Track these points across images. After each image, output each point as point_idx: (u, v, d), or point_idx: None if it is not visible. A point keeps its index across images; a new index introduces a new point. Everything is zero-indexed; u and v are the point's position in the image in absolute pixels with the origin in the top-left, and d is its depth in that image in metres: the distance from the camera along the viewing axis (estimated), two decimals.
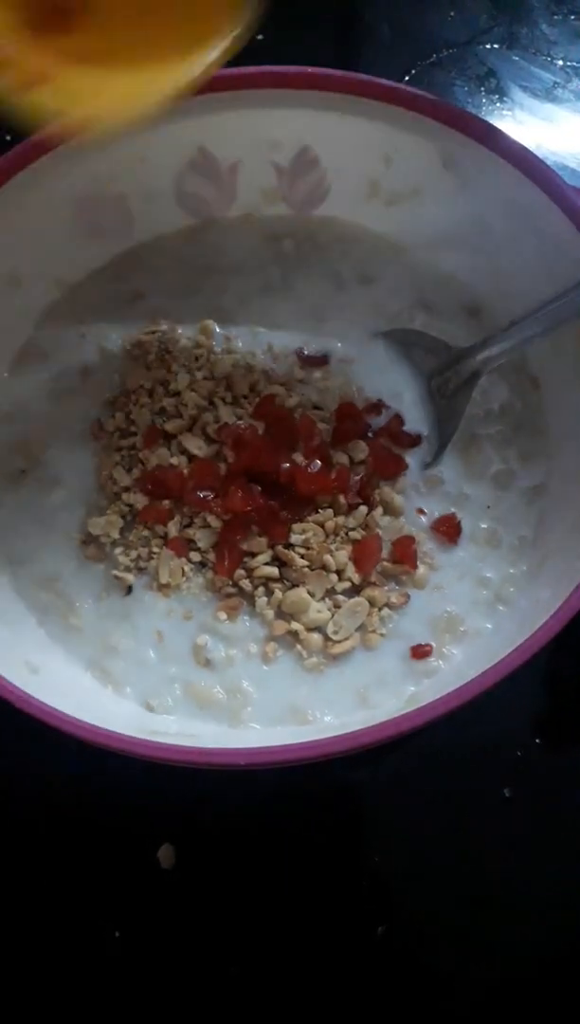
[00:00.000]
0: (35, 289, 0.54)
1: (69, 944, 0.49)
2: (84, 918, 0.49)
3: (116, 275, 0.56)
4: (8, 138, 0.65)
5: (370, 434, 0.52)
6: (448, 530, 0.50)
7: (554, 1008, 0.49)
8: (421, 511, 0.51)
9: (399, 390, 0.54)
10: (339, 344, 0.55)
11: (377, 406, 0.53)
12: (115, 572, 0.49)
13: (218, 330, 0.55)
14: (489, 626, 0.48)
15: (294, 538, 0.49)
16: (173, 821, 0.51)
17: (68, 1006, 0.48)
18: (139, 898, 0.50)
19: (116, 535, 0.50)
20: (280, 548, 0.49)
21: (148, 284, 0.56)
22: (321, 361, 0.54)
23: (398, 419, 0.53)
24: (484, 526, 0.50)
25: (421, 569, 0.49)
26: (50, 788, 0.51)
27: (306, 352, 0.54)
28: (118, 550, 0.50)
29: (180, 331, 0.55)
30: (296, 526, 0.49)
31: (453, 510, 0.51)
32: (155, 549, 0.50)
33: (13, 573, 0.50)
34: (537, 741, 0.53)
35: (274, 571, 0.48)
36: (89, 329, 0.55)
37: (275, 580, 0.49)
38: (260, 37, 0.71)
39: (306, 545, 0.49)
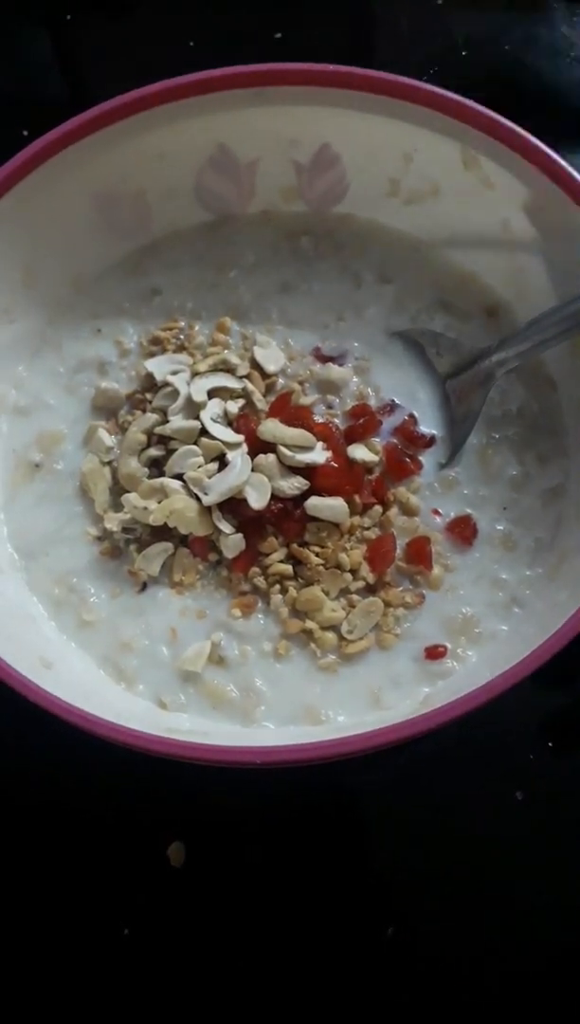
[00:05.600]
0: (52, 283, 0.54)
1: (78, 941, 0.49)
2: (93, 915, 0.49)
3: (133, 270, 0.56)
4: (25, 133, 0.65)
5: (384, 434, 0.52)
6: (464, 531, 0.50)
7: (567, 1008, 0.48)
8: (437, 512, 0.51)
9: (414, 390, 0.54)
10: (356, 343, 0.54)
11: (391, 406, 0.53)
12: (129, 568, 0.49)
13: (235, 327, 0.55)
14: (505, 628, 0.48)
15: (309, 536, 0.49)
16: (183, 819, 0.51)
17: (77, 1002, 0.48)
18: (148, 896, 0.50)
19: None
20: (295, 546, 0.49)
21: (165, 280, 0.56)
22: (338, 359, 0.54)
23: (412, 419, 0.53)
24: (500, 528, 0.50)
25: (436, 570, 0.49)
26: (61, 784, 0.51)
27: (323, 351, 0.54)
28: (133, 546, 0.50)
29: (197, 327, 0.55)
30: (311, 524, 0.49)
31: (469, 511, 0.51)
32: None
33: (27, 568, 0.50)
34: (549, 744, 0.52)
35: (289, 568, 0.48)
36: (105, 324, 0.55)
37: (290, 578, 0.49)
38: (278, 35, 0.71)
39: (321, 543, 0.49)
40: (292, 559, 0.49)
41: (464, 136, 0.49)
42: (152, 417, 0.51)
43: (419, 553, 0.49)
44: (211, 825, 0.51)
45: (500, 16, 0.72)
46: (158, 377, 0.52)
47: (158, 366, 0.53)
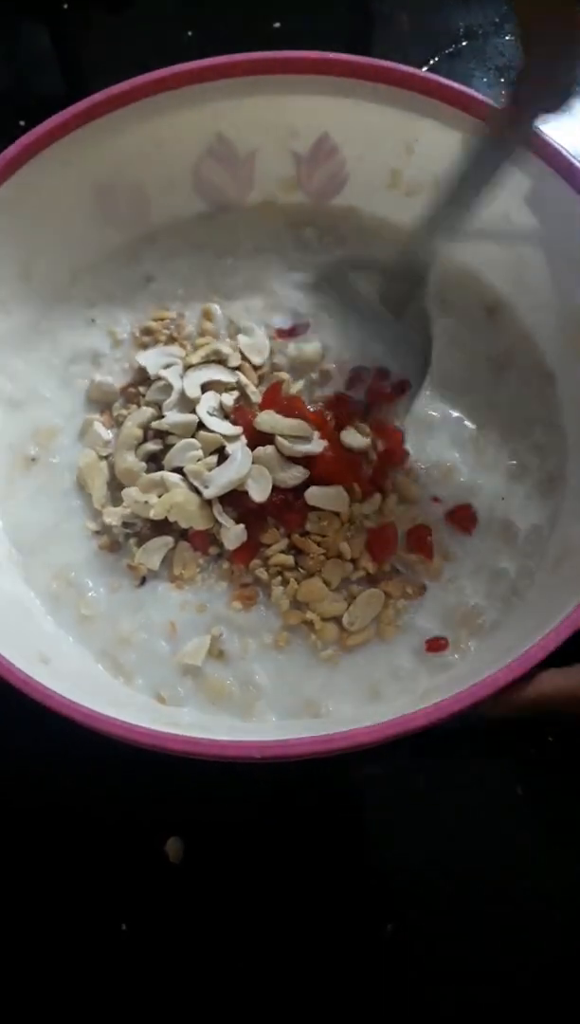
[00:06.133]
0: (49, 275, 0.54)
1: (75, 937, 0.49)
2: (90, 911, 0.49)
3: (129, 259, 0.56)
4: (22, 124, 0.64)
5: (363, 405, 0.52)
6: (463, 520, 0.50)
7: (567, 1008, 0.48)
8: (436, 499, 0.50)
9: (364, 335, 0.52)
10: (303, 310, 0.54)
11: (356, 373, 0.52)
12: (129, 563, 0.49)
13: (220, 314, 0.54)
14: (506, 619, 0.47)
15: (310, 526, 0.48)
16: (181, 814, 0.50)
17: (74, 999, 0.48)
18: (146, 892, 0.49)
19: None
20: (296, 536, 0.48)
21: (159, 268, 0.55)
22: (295, 331, 0.53)
23: (379, 373, 0.52)
24: (499, 517, 0.50)
25: (437, 559, 0.49)
26: (57, 780, 0.51)
27: (279, 326, 0.54)
28: (133, 540, 0.49)
29: (187, 315, 0.54)
30: (312, 514, 0.48)
31: (469, 500, 0.50)
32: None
33: (24, 562, 0.50)
34: (550, 739, 0.52)
35: (290, 559, 0.48)
36: (99, 314, 0.54)
37: (291, 569, 0.48)
38: (277, 25, 0.71)
39: (322, 532, 0.48)
40: (293, 549, 0.48)
41: (465, 125, 0.48)
42: (147, 411, 0.51)
43: (420, 542, 0.49)
44: (209, 820, 0.50)
45: (501, 5, 0.72)
46: (151, 371, 0.52)
47: (150, 360, 0.52)
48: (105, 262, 0.56)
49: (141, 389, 0.52)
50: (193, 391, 0.50)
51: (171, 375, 0.51)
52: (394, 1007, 0.48)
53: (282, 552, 0.48)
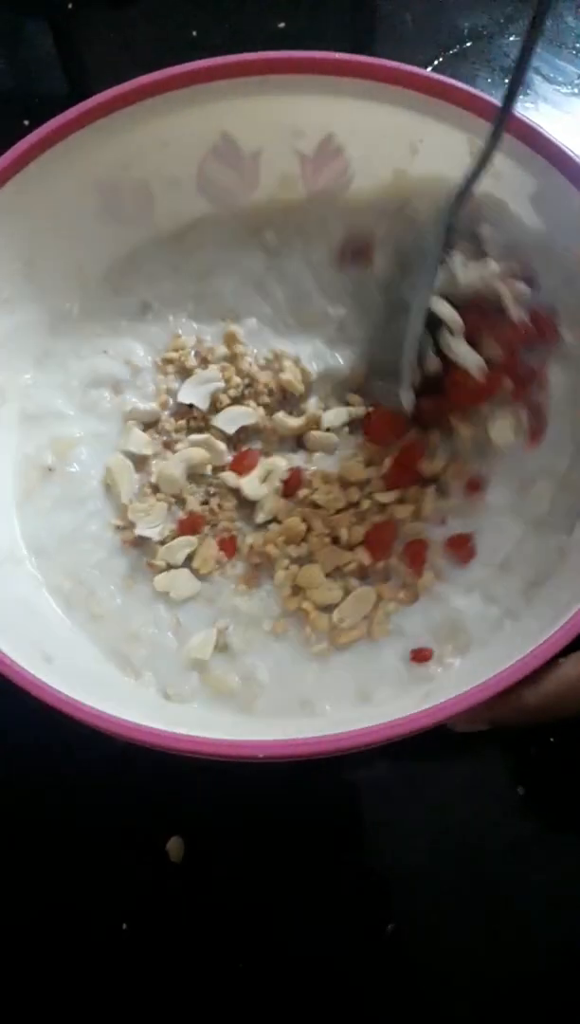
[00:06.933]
0: (55, 275, 0.53)
1: (76, 936, 0.49)
2: (91, 910, 0.49)
3: (117, 288, 0.55)
4: (27, 123, 0.64)
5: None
6: (460, 549, 0.49)
7: (566, 1007, 0.48)
8: (443, 521, 0.49)
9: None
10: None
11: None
12: (149, 560, 0.49)
13: (243, 333, 0.54)
14: (491, 639, 0.46)
15: (318, 497, 0.49)
16: (182, 814, 0.50)
17: (75, 998, 0.48)
18: (147, 891, 0.49)
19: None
20: (306, 508, 0.49)
21: (151, 294, 0.55)
22: None
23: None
24: (501, 554, 0.48)
25: (427, 576, 0.48)
26: (59, 778, 0.51)
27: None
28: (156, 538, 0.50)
29: (208, 340, 0.54)
30: (322, 487, 0.50)
31: (472, 531, 0.49)
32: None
33: (39, 565, 0.49)
34: (551, 739, 0.52)
35: (302, 528, 0.49)
36: (110, 344, 0.53)
37: (297, 543, 0.49)
38: (281, 25, 0.71)
39: (329, 506, 0.49)
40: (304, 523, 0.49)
41: (471, 126, 0.48)
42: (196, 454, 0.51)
43: (414, 556, 0.48)
44: (210, 820, 0.50)
45: (505, 6, 0.72)
46: (201, 406, 0.51)
47: (194, 393, 0.52)
48: (97, 292, 0.54)
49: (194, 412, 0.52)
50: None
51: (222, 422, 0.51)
52: (394, 1007, 0.48)
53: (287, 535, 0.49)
